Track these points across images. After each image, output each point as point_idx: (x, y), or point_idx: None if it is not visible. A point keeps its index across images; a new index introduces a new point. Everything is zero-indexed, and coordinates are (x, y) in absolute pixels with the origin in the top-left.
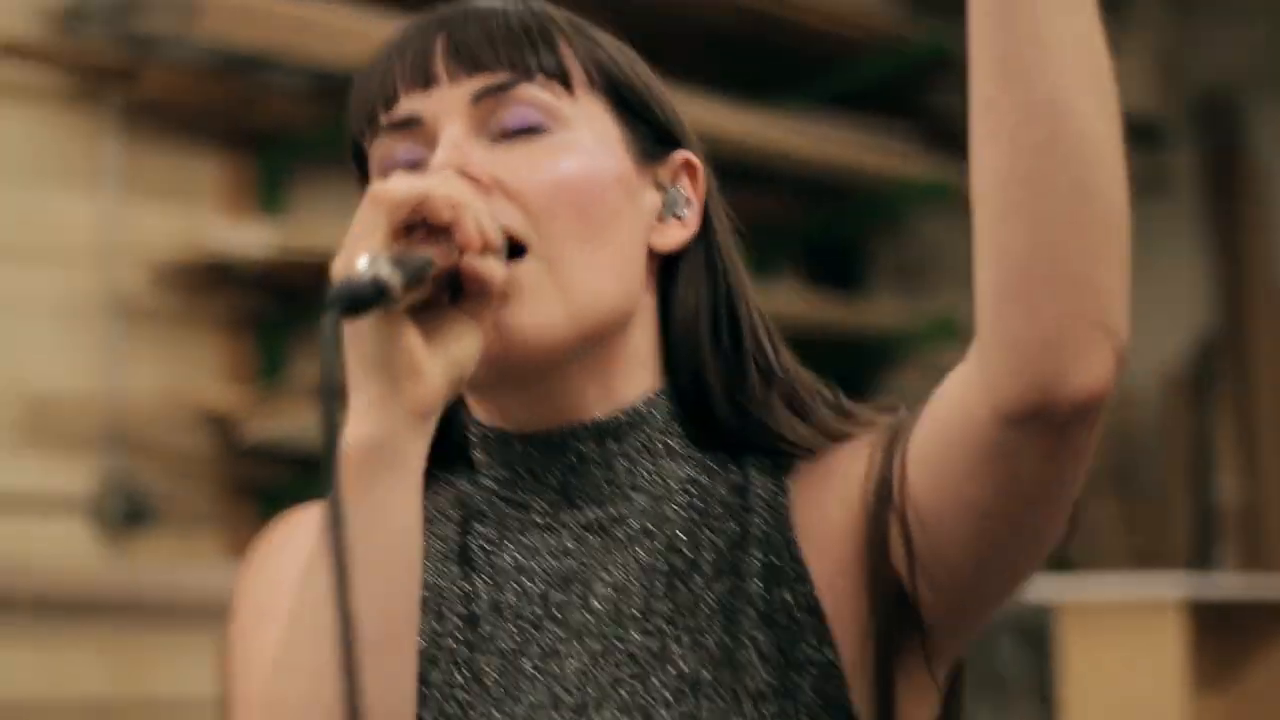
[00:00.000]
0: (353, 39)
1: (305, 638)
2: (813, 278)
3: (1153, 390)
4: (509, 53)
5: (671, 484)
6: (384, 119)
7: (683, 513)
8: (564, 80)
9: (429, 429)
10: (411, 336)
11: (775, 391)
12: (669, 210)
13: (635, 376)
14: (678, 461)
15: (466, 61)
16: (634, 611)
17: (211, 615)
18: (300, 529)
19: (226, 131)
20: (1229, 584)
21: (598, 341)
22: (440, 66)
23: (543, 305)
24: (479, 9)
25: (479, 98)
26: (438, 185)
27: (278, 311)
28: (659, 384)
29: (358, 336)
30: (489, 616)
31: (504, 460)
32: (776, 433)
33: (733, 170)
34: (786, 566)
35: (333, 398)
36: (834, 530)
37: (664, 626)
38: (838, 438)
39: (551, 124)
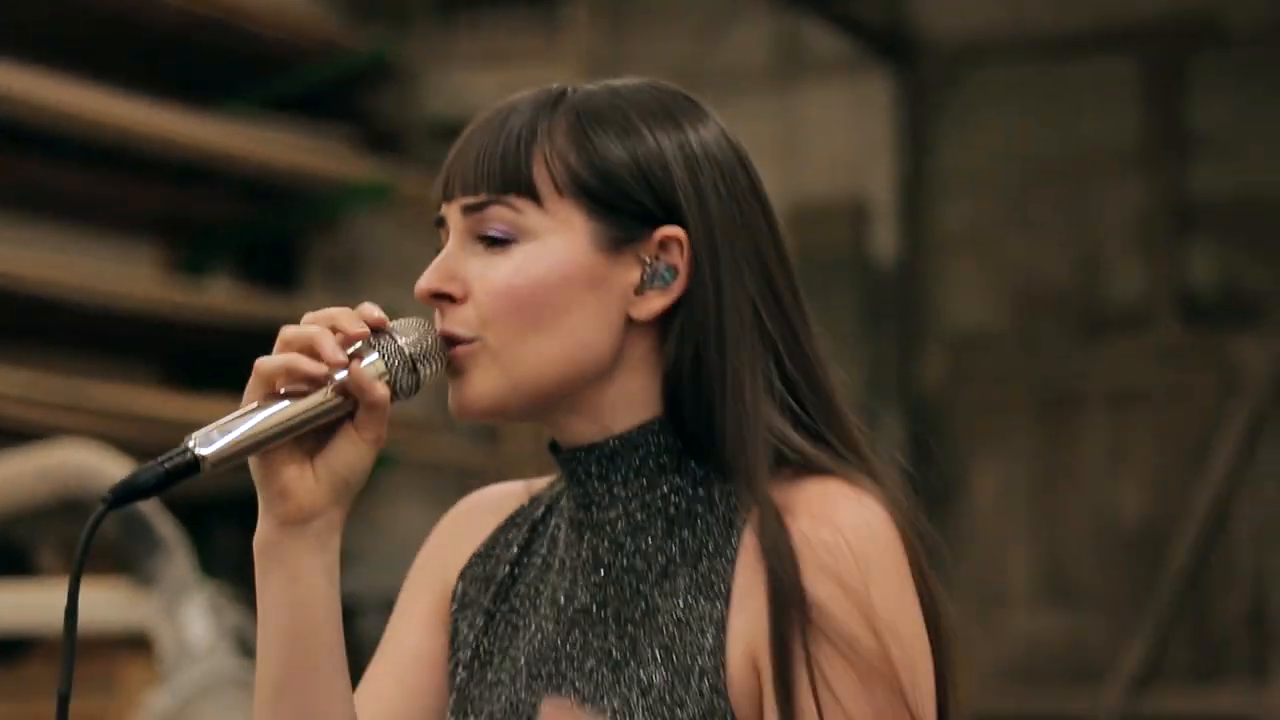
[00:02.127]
0: None
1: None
2: (250, 276)
3: None
4: (488, 174)
5: (654, 496)
6: (436, 213)
7: (657, 524)
8: (533, 196)
9: (311, 530)
10: (278, 466)
11: (751, 433)
12: (647, 284)
13: (628, 412)
14: (667, 478)
15: (459, 182)
16: (583, 610)
17: None
18: (451, 518)
19: None
20: None
21: (557, 395)
22: (449, 184)
23: (481, 381)
24: (489, 120)
25: (465, 212)
26: (265, 360)
27: None
28: (656, 413)
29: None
30: (519, 609)
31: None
32: (743, 471)
33: (174, 170)
34: (717, 578)
35: (78, 580)
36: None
37: (610, 629)
38: (814, 472)
39: (518, 236)
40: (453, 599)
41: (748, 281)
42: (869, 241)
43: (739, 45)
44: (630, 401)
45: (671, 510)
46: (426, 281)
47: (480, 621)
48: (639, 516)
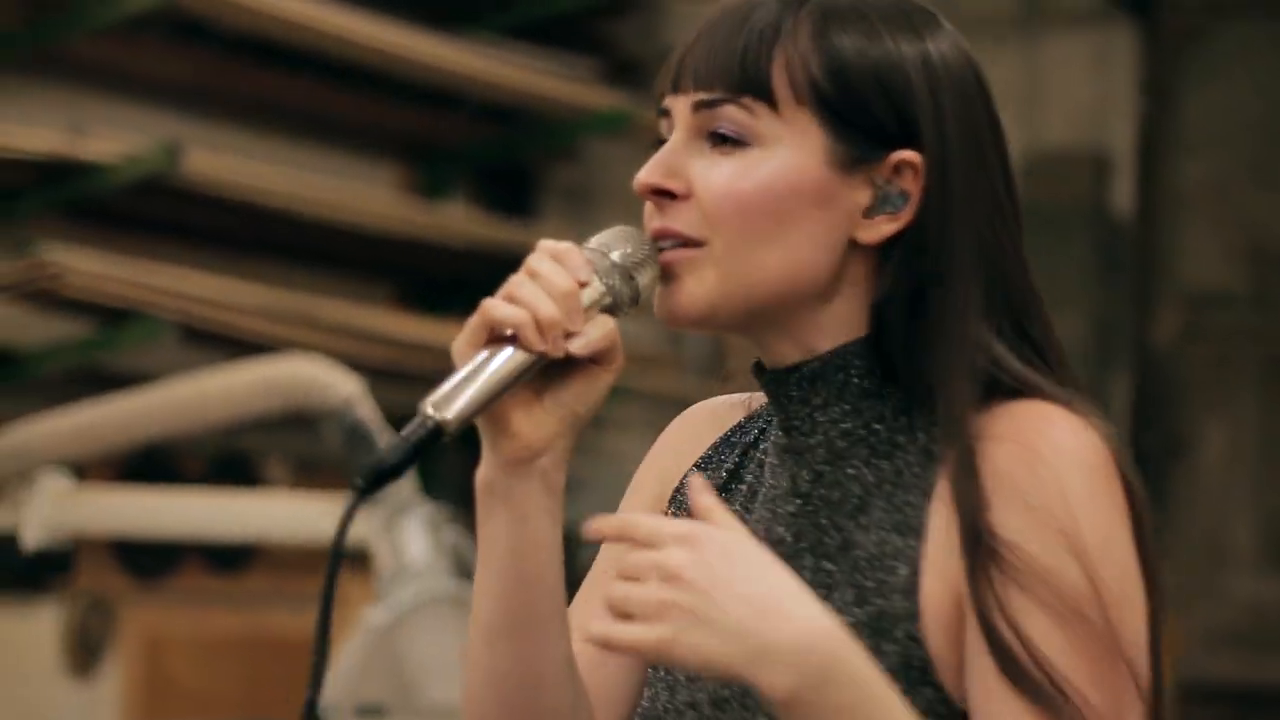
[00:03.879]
0: None
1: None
2: (486, 200)
3: None
4: (725, 71)
5: (856, 423)
6: (658, 103)
7: (858, 451)
8: (770, 101)
9: (536, 469)
10: (505, 404)
11: (964, 364)
12: (878, 208)
13: (833, 332)
14: (870, 403)
15: (692, 76)
16: (784, 536)
17: None
18: (674, 428)
19: None
20: None
21: (766, 312)
22: (680, 76)
23: (697, 286)
24: (731, 11)
25: (695, 108)
26: (495, 306)
27: None
28: (860, 336)
29: None
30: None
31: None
32: (948, 401)
33: (416, 92)
34: (912, 512)
35: (338, 560)
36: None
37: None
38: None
39: (750, 140)
40: (669, 506)
41: (978, 212)
42: (1107, 195)
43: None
44: (837, 324)
45: (873, 439)
46: (648, 175)
47: None
48: (840, 444)
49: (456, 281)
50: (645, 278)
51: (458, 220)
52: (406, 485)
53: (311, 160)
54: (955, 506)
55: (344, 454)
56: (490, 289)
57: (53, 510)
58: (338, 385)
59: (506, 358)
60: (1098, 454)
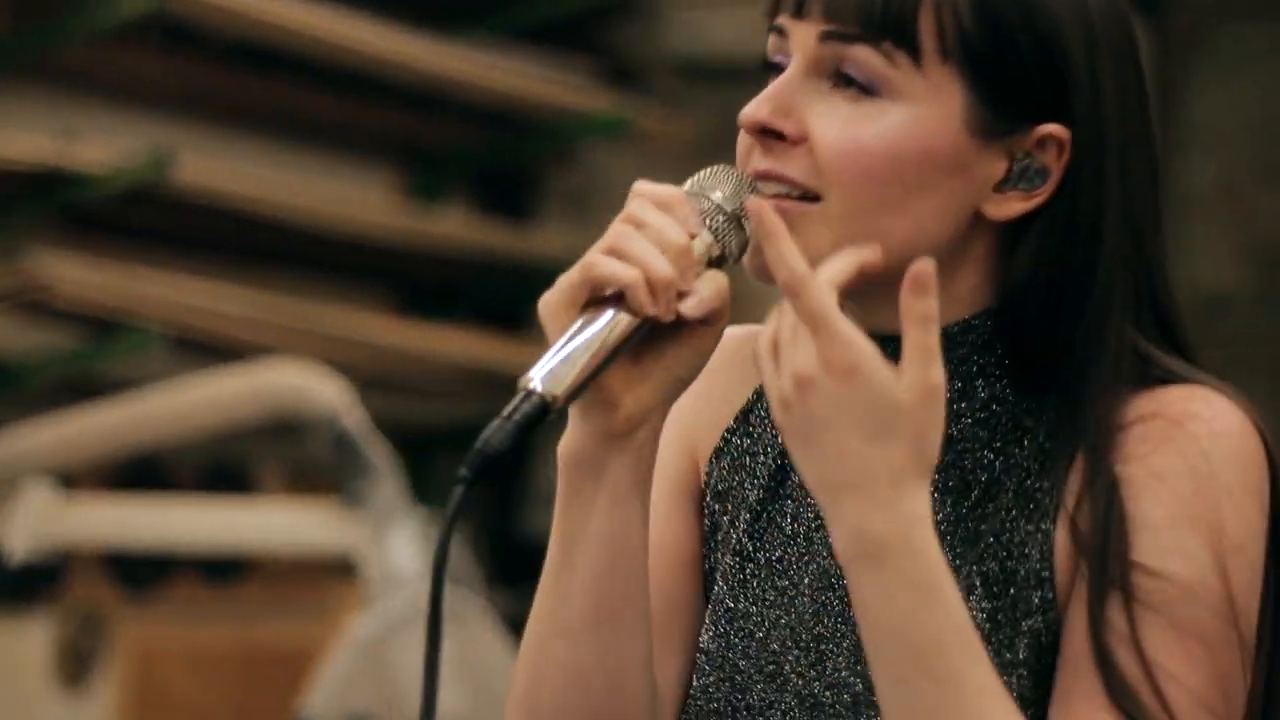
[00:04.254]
0: None
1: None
2: (484, 205)
3: None
4: (864, 11)
5: (974, 404)
6: (770, 21)
7: (979, 434)
8: (912, 50)
9: (633, 443)
10: (606, 374)
11: (1109, 358)
12: (1013, 183)
13: (949, 306)
14: (988, 381)
15: (828, 8)
16: None
17: None
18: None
19: None
20: None
21: (878, 280)
22: (810, 4)
23: (808, 244)
24: None
25: (824, 38)
26: (602, 262)
27: None
28: (983, 312)
29: None
30: (789, 508)
31: None
32: (1093, 411)
33: (413, 96)
34: (1047, 500)
35: (445, 552)
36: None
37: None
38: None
39: (882, 91)
40: (706, 483)
41: (1131, 198)
42: None
43: None
44: (954, 298)
45: (994, 421)
46: (758, 110)
47: (745, 518)
48: (952, 430)
49: (454, 287)
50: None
51: (455, 225)
52: (394, 492)
53: (306, 166)
54: (1088, 523)
55: (332, 463)
56: (488, 295)
57: (39, 521)
58: (324, 394)
59: (610, 321)
60: (1254, 445)
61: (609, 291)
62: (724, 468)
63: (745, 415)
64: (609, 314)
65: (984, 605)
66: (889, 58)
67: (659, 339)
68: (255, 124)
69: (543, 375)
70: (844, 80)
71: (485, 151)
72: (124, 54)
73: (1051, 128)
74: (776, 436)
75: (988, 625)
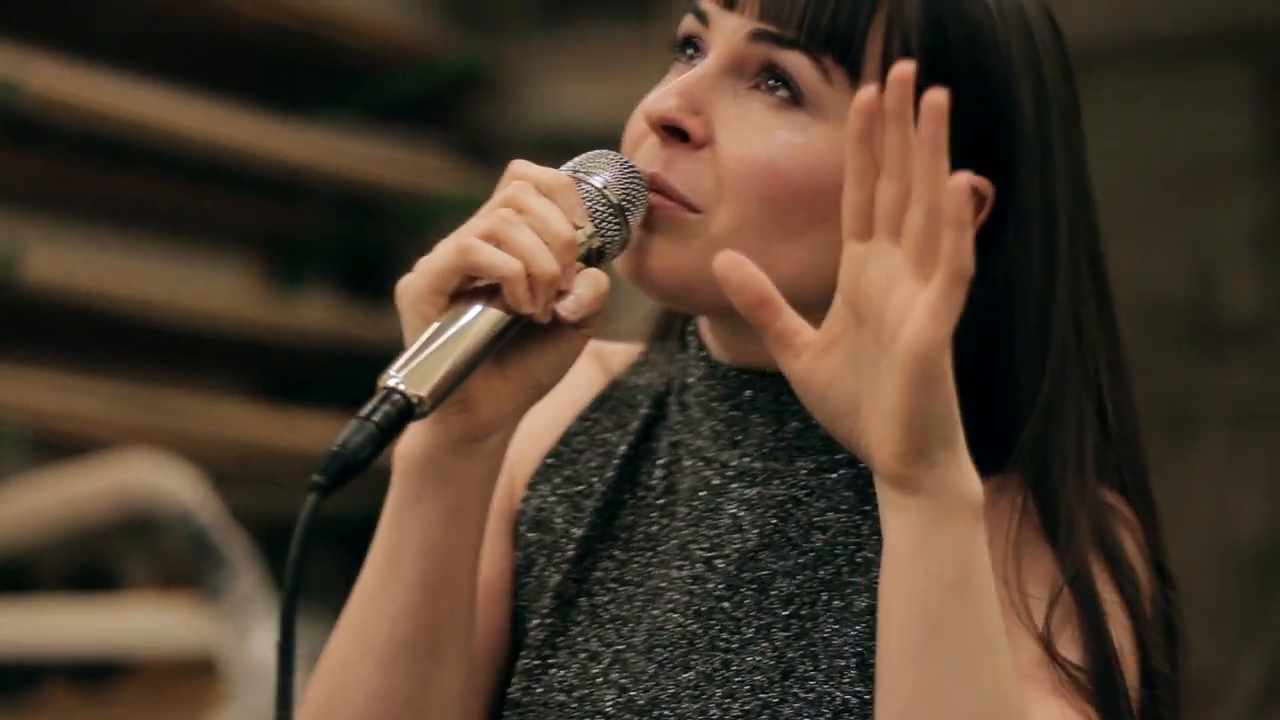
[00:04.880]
0: None
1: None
2: (346, 290)
3: None
4: (808, 16)
5: (839, 458)
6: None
7: (841, 489)
8: (852, 69)
9: (485, 449)
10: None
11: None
12: None
13: None
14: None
15: (765, 5)
16: (754, 577)
17: None
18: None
19: None
20: None
21: None
22: None
23: (681, 255)
24: None
25: (755, 37)
26: (480, 249)
27: None
28: None
29: None
30: (618, 542)
31: (696, 373)
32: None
33: (267, 183)
34: None
35: (300, 569)
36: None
37: (777, 608)
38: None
39: (806, 103)
40: (522, 511)
41: (1054, 273)
42: None
43: None
44: None
45: (861, 482)
46: (664, 102)
47: (569, 556)
48: (818, 481)
49: (316, 375)
50: (636, 218)
51: (315, 312)
52: (253, 585)
53: (161, 257)
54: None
55: (189, 561)
56: (350, 381)
57: None
58: (177, 488)
59: (481, 316)
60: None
61: (482, 283)
62: (543, 495)
63: (569, 439)
64: (478, 308)
65: (858, 694)
66: (825, 72)
67: (524, 339)
68: (106, 216)
69: (406, 374)
70: (767, 84)
71: (345, 236)
72: None
73: (976, 180)
74: (604, 467)
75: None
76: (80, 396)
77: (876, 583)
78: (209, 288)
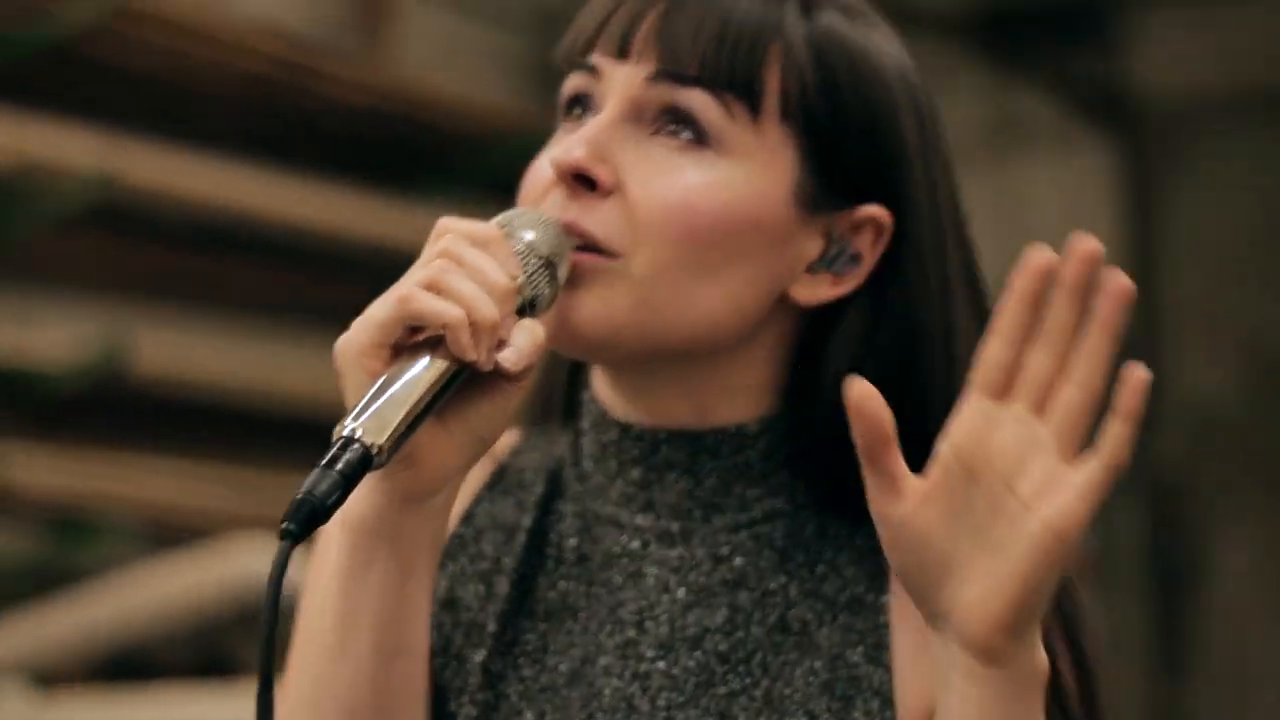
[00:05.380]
0: None
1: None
2: None
3: None
4: (707, 55)
5: (755, 514)
6: (577, 59)
7: (763, 547)
8: (752, 104)
9: (433, 507)
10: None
11: None
12: (824, 265)
13: (736, 404)
14: (771, 492)
15: (655, 43)
16: (686, 636)
17: None
18: None
19: None
20: None
21: (673, 357)
22: (637, 43)
23: (606, 307)
24: None
25: (655, 80)
26: (421, 298)
27: None
28: (770, 413)
29: None
30: (538, 612)
31: (600, 439)
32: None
33: (370, 265)
34: (866, 630)
35: (275, 611)
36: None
37: (714, 664)
38: None
39: (711, 141)
40: (433, 596)
41: (948, 302)
42: None
43: (949, 118)
44: (745, 391)
45: (780, 539)
46: (571, 153)
47: (487, 636)
48: (734, 539)
49: None
50: (564, 270)
51: None
52: None
53: (269, 342)
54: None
55: None
56: None
57: None
58: (289, 576)
59: (425, 368)
60: None
61: (424, 335)
62: (451, 576)
63: (468, 522)
64: (424, 359)
65: None
66: (727, 108)
67: (464, 394)
68: (212, 303)
69: (362, 423)
70: (670, 127)
71: None
72: (71, 243)
73: (875, 210)
74: (509, 543)
75: None
76: (191, 483)
77: (817, 646)
78: (317, 372)
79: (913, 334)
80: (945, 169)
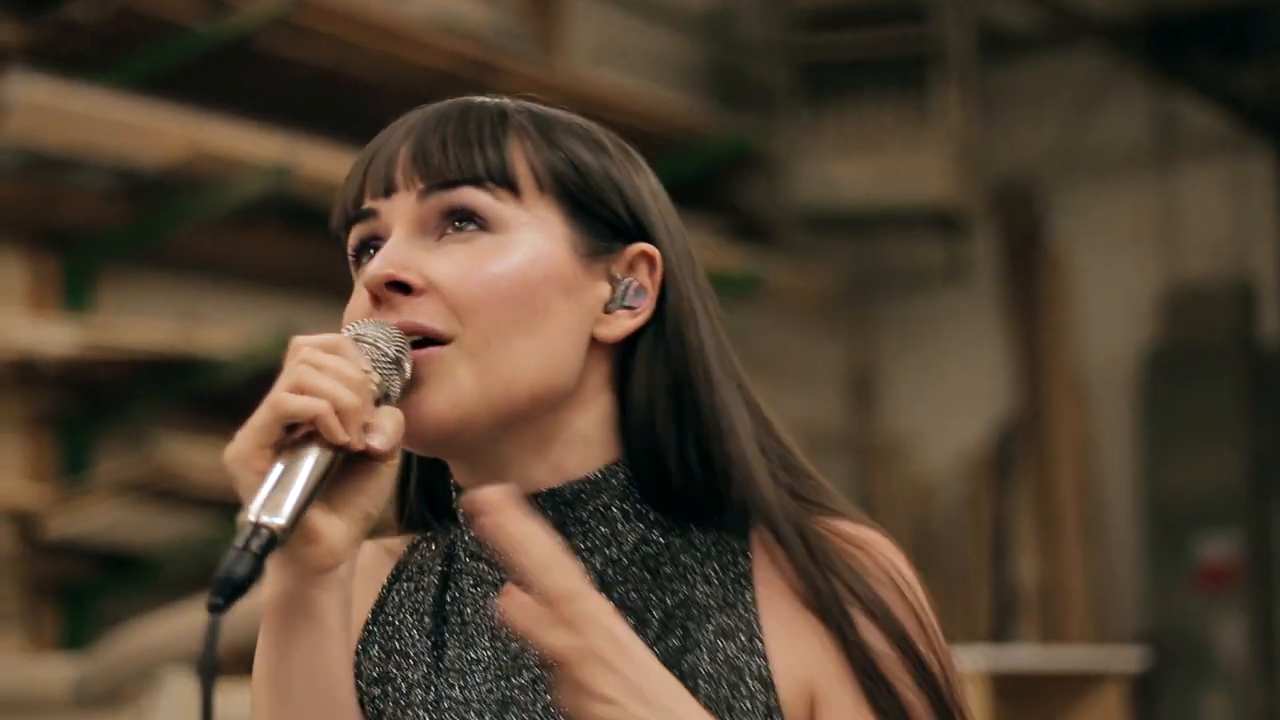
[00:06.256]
0: (158, 138)
1: None
2: None
3: (955, 474)
4: (460, 158)
5: (624, 548)
6: (352, 213)
7: (635, 575)
8: (510, 186)
9: (336, 578)
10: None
11: (758, 469)
12: (618, 302)
13: (583, 452)
14: (632, 525)
15: (421, 168)
16: None
17: (11, 711)
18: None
19: (31, 231)
20: (1027, 656)
21: (521, 420)
22: (400, 175)
23: (453, 388)
24: (446, 110)
25: (426, 193)
26: (290, 399)
27: (80, 408)
28: (614, 456)
29: None
30: (454, 669)
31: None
32: (758, 506)
33: None
34: (739, 628)
35: (211, 677)
36: (800, 615)
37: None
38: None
39: (491, 226)
40: (359, 674)
41: (711, 318)
42: (1255, 325)
43: (1113, 127)
44: (585, 438)
45: (651, 562)
46: (381, 268)
47: (418, 696)
48: (609, 573)
49: None
50: (408, 369)
51: None
52: None
53: None
54: (815, 585)
55: None
56: None
57: (182, 712)
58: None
59: (312, 456)
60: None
61: (299, 433)
62: (373, 657)
63: (382, 607)
64: (309, 449)
65: None
66: (494, 195)
67: (345, 476)
68: (295, 280)
69: (263, 509)
70: (454, 225)
71: None
72: (243, 236)
73: (642, 246)
74: (421, 616)
75: None
76: None
77: (699, 645)
78: None
79: (697, 350)
80: (665, 200)
